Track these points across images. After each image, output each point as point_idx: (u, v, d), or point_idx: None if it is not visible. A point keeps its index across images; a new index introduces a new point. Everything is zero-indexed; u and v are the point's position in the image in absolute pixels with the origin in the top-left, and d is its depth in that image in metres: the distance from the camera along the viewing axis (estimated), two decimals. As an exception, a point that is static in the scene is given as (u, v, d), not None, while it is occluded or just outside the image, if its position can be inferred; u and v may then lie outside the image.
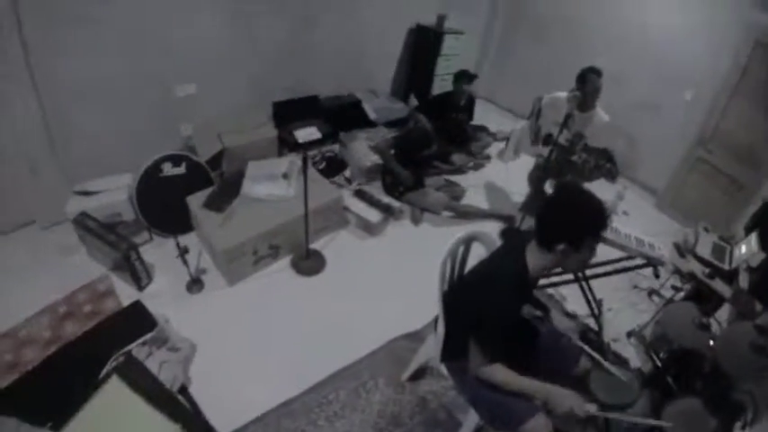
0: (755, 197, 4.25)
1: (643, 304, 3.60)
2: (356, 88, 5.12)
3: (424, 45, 5.63)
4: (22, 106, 3.00)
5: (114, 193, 3.17)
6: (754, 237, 3.21)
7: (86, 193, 3.13)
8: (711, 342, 2.47)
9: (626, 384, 2.07)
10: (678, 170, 5.40)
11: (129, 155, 3.36)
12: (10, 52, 2.84)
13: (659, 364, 2.83)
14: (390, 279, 3.31)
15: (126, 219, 3.17)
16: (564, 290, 3.48)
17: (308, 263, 3.30)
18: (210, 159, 3.53)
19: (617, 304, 3.55)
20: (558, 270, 3.12)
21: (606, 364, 2.15)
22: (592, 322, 3.33)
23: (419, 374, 2.70)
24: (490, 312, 1.84)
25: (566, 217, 1.78)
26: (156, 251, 3.20)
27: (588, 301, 3.36)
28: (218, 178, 3.45)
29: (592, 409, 1.80)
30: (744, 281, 2.95)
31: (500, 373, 1.87)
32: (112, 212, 3.11)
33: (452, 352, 2.12)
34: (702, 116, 5.05)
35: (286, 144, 4.09)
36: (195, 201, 3.22)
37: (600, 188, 5.02)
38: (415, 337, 2.87)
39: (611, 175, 5.45)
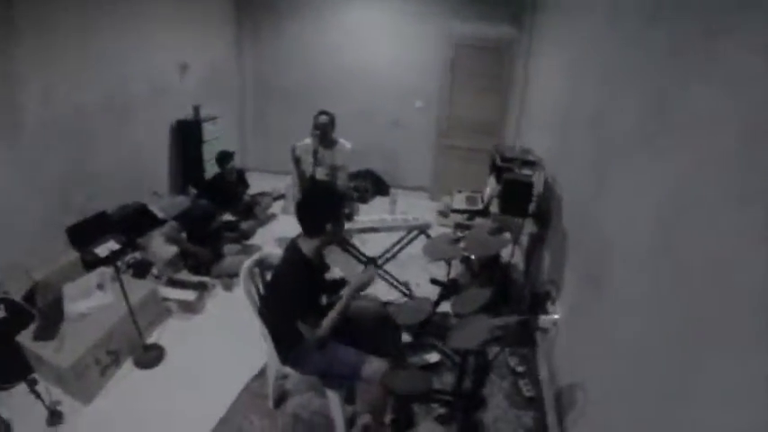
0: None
1: (442, 270, 4.44)
2: (139, 194, 5.44)
3: (187, 137, 6.18)
4: None
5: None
6: (491, 178, 4.35)
7: None
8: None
9: (419, 307, 2.93)
10: (435, 162, 7.02)
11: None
12: None
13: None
14: (225, 340, 3.78)
15: (-38, 384, 3.12)
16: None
17: (149, 356, 3.61)
18: (26, 296, 3.68)
19: (421, 280, 4.49)
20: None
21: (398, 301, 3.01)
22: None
23: (283, 397, 3.22)
24: (291, 293, 2.49)
25: (308, 213, 2.58)
26: (5, 408, 3.10)
27: (395, 286, 4.30)
28: (38, 310, 3.66)
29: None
30: (495, 207, 3.98)
31: (325, 323, 2.50)
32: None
33: (286, 350, 2.69)
34: (436, 113, 6.74)
35: (90, 263, 4.27)
36: (25, 338, 3.32)
37: (380, 203, 6.14)
38: (264, 372, 3.33)
39: (379, 192, 6.66)
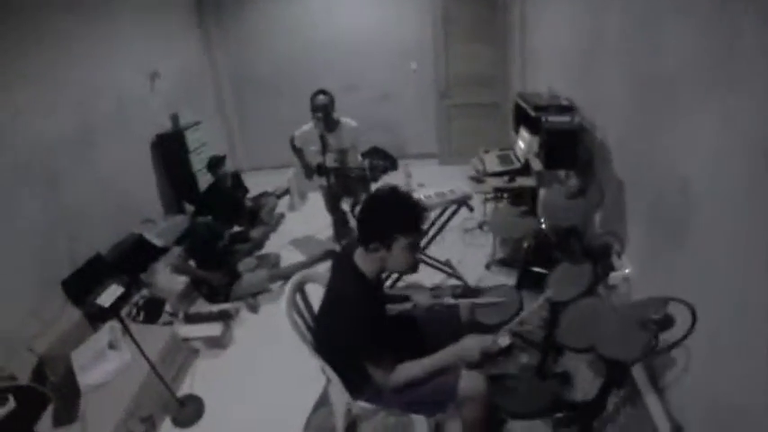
0: (508, 105, 5.12)
1: (480, 239, 4.25)
2: (132, 226, 4.92)
3: (171, 151, 5.65)
4: None
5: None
6: (522, 130, 3.90)
7: None
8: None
9: (506, 301, 2.37)
10: (440, 126, 6.57)
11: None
12: None
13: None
14: (265, 372, 3.39)
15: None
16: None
17: (187, 411, 3.16)
18: (34, 375, 3.21)
19: (461, 255, 4.15)
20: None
21: (480, 300, 2.47)
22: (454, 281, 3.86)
23: (352, 427, 2.70)
24: (356, 330, 1.96)
25: (373, 217, 1.97)
26: None
27: (438, 267, 3.88)
28: (52, 391, 3.18)
29: (499, 339, 2.05)
30: (536, 164, 3.57)
31: (405, 371, 2.00)
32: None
33: (357, 385, 2.18)
34: (433, 72, 6.30)
35: (96, 317, 3.79)
36: (45, 426, 2.87)
37: (393, 179, 5.68)
38: (325, 399, 2.88)
39: (392, 167, 6.20)
